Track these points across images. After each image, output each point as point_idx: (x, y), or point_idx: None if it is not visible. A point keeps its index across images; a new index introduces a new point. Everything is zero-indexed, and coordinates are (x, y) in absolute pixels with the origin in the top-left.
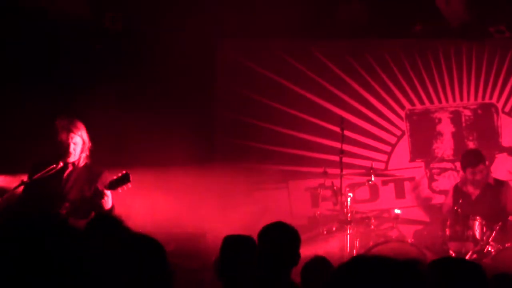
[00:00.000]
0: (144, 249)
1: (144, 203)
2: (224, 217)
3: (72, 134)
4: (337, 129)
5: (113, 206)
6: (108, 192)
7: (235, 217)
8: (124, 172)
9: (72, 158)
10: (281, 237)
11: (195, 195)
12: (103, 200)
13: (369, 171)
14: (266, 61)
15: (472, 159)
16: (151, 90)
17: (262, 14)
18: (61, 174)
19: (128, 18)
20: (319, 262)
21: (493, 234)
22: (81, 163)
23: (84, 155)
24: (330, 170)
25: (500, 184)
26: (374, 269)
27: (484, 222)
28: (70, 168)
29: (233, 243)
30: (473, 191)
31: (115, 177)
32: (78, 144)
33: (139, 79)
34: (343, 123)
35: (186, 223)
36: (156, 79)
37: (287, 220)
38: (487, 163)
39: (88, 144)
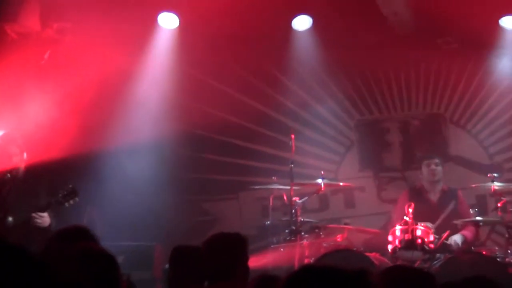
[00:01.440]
0: (96, 261)
1: None
2: (174, 228)
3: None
4: (287, 140)
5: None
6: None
7: (186, 228)
8: (70, 186)
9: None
10: (225, 247)
11: None
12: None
13: (318, 181)
14: (216, 73)
15: (428, 154)
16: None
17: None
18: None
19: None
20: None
21: (440, 243)
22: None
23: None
24: (280, 180)
25: (453, 191)
26: (323, 279)
27: (432, 230)
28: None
29: (181, 254)
30: (431, 197)
31: (60, 194)
32: (14, 156)
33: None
34: (293, 134)
35: (136, 234)
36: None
37: (237, 230)
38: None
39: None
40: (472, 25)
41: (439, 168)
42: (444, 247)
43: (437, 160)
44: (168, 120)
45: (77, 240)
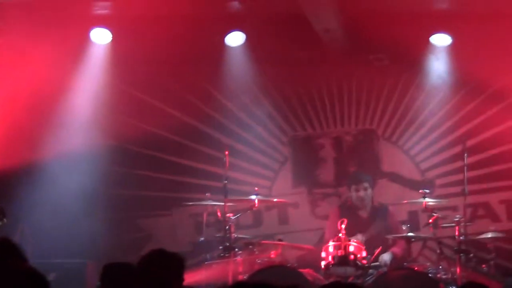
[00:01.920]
0: (27, 281)
1: None
2: (108, 245)
3: None
4: (221, 156)
5: None
6: None
7: (119, 245)
8: None
9: None
10: (162, 264)
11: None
12: None
13: (252, 197)
14: (149, 88)
15: (356, 177)
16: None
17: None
18: None
19: None
20: None
21: (373, 259)
22: None
23: None
24: (214, 197)
25: (384, 208)
26: None
27: (364, 247)
28: None
29: (113, 271)
30: (362, 214)
31: None
32: None
33: None
34: (227, 150)
35: (67, 252)
36: None
37: (171, 247)
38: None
39: None
40: (404, 42)
41: (368, 192)
42: (375, 262)
43: (366, 184)
44: (102, 136)
45: (3, 257)
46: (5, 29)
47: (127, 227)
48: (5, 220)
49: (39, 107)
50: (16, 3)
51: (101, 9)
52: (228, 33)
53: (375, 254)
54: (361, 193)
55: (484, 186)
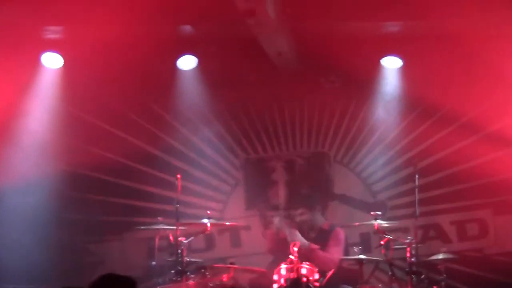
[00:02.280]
0: None
1: None
2: (60, 270)
3: None
4: (173, 179)
5: None
6: None
7: (71, 269)
8: None
9: None
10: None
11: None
12: None
13: (204, 220)
14: (101, 113)
15: (294, 202)
16: None
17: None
18: None
19: None
20: None
21: (325, 281)
22: None
23: None
24: (166, 220)
25: (331, 229)
26: None
27: (317, 269)
28: None
29: None
30: (311, 235)
31: None
32: None
33: None
34: (178, 173)
35: (19, 277)
36: None
37: (123, 271)
38: (317, 208)
39: None
40: (355, 65)
41: (319, 220)
42: (328, 286)
43: (302, 210)
44: (52, 159)
45: None
46: None
47: (78, 251)
48: None
49: None
50: None
51: (52, 34)
52: (180, 57)
53: (327, 277)
54: (297, 219)
55: (435, 207)
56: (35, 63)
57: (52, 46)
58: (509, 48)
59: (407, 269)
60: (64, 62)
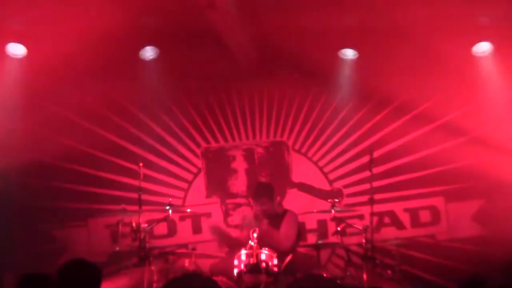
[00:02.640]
0: None
1: None
2: (24, 256)
3: None
4: (135, 167)
5: None
6: None
7: (35, 256)
8: None
9: None
10: (80, 273)
11: None
12: None
13: (166, 207)
14: (64, 102)
15: (256, 192)
16: None
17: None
18: None
19: None
20: None
21: (284, 266)
22: None
23: None
24: (129, 207)
25: (285, 212)
26: None
27: (275, 254)
28: None
29: (30, 282)
30: (264, 221)
31: None
32: None
33: None
34: (141, 162)
35: None
36: None
37: (87, 257)
38: (278, 197)
39: None
40: (313, 57)
41: (269, 205)
42: (286, 271)
43: (265, 199)
44: (16, 148)
45: None
46: None
47: (43, 238)
48: None
49: None
50: None
51: (16, 24)
52: (142, 48)
53: (286, 262)
54: (262, 207)
55: (390, 195)
56: (1, 52)
57: (17, 36)
58: (458, 41)
59: (362, 255)
60: (28, 52)
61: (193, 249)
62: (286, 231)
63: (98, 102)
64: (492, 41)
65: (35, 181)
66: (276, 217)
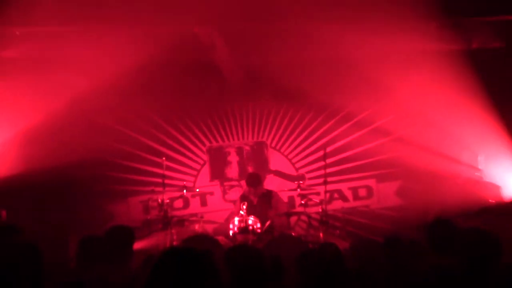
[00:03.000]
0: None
1: None
2: (86, 223)
3: None
4: (160, 160)
5: None
6: None
7: (93, 223)
8: None
9: None
10: (120, 235)
11: None
12: None
13: (182, 188)
14: (111, 115)
15: (250, 179)
16: None
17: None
18: None
19: None
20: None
21: (264, 228)
22: None
23: None
24: (156, 189)
25: (270, 193)
26: (183, 255)
27: (258, 220)
28: None
29: (87, 241)
30: (254, 199)
31: None
32: None
33: None
34: (164, 157)
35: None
36: None
37: (127, 224)
38: (263, 182)
39: None
40: (284, 81)
41: (260, 188)
42: (266, 232)
43: (259, 187)
44: (78, 150)
45: (8, 234)
46: None
47: (98, 210)
48: None
49: None
50: None
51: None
52: (164, 75)
53: (266, 226)
54: (256, 188)
55: (338, 178)
56: (62, 82)
57: (75, 69)
58: (386, 71)
59: (319, 220)
60: (83, 79)
61: (201, 217)
62: (277, 205)
63: (133, 115)
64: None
65: (93, 171)
66: (263, 196)
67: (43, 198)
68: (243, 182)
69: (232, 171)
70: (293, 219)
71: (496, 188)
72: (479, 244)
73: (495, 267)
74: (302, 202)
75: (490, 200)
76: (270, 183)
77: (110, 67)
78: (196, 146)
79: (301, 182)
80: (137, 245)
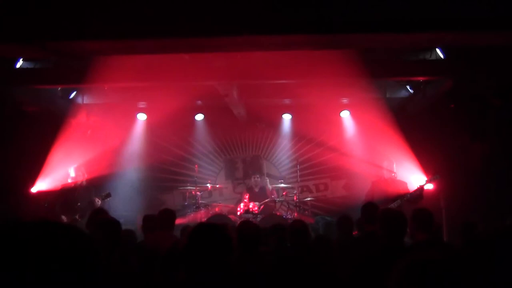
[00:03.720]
0: (107, 225)
1: None
2: (146, 206)
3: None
4: (193, 167)
5: None
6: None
7: (151, 206)
8: (108, 192)
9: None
10: (166, 214)
11: None
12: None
13: (207, 185)
14: (163, 137)
15: (253, 172)
16: None
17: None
18: None
19: None
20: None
21: (260, 210)
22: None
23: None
24: (191, 185)
25: (264, 187)
26: (208, 228)
27: (256, 205)
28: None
29: (148, 218)
30: (255, 189)
31: (104, 194)
32: (81, 176)
33: None
34: (196, 165)
35: (129, 208)
36: None
37: (172, 207)
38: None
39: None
40: (272, 118)
41: (258, 179)
42: (261, 212)
43: (258, 176)
44: (143, 159)
45: (100, 214)
46: (98, 115)
47: (154, 199)
48: (110, 198)
49: (114, 150)
50: None
51: (141, 104)
52: (196, 114)
53: (261, 208)
54: (256, 179)
55: (306, 178)
56: (134, 118)
57: (140, 110)
58: (334, 111)
59: (294, 204)
60: (147, 117)
61: (220, 203)
62: (268, 196)
63: (176, 137)
64: (349, 110)
65: (151, 174)
66: (260, 189)
67: (120, 191)
68: (247, 181)
69: (239, 173)
70: (279, 204)
71: (404, 184)
72: (392, 219)
73: (402, 235)
74: (284, 193)
75: (400, 191)
76: (263, 181)
77: (161, 107)
78: (216, 157)
79: (282, 180)
80: (178, 221)
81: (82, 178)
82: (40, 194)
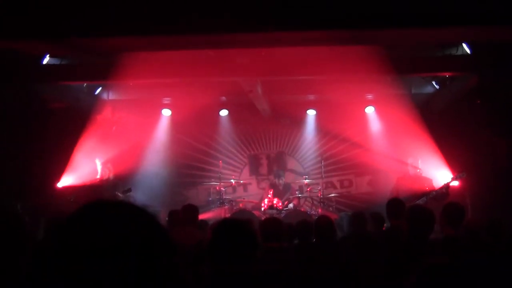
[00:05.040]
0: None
1: None
2: (170, 201)
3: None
4: (217, 163)
5: None
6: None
7: (176, 201)
8: (129, 187)
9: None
10: (190, 209)
11: None
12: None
13: (231, 180)
14: (187, 134)
15: (277, 174)
16: None
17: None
18: None
19: None
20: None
21: (284, 206)
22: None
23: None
24: (215, 180)
25: (289, 184)
26: (232, 223)
27: (280, 201)
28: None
29: (172, 213)
30: (279, 186)
31: (126, 188)
32: (107, 171)
33: None
34: (220, 161)
35: (153, 203)
36: None
37: (196, 203)
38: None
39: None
40: (296, 113)
41: (281, 179)
42: (284, 208)
43: (282, 176)
44: (168, 157)
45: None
46: (122, 113)
47: (178, 194)
48: (132, 192)
49: (141, 146)
50: None
51: (166, 100)
52: (220, 110)
53: (285, 204)
54: (281, 181)
55: (331, 174)
56: (159, 114)
57: (166, 106)
58: (359, 107)
59: (319, 201)
60: (172, 113)
61: (244, 198)
62: (292, 192)
63: (201, 133)
64: (374, 106)
65: (176, 170)
66: (285, 185)
67: (145, 186)
68: (271, 177)
69: (263, 169)
70: (303, 200)
71: (429, 180)
72: (418, 214)
73: (428, 232)
74: (308, 190)
75: (426, 188)
76: (288, 177)
77: (186, 103)
78: (240, 153)
79: (307, 176)
80: (202, 216)
81: (108, 173)
82: (66, 189)
